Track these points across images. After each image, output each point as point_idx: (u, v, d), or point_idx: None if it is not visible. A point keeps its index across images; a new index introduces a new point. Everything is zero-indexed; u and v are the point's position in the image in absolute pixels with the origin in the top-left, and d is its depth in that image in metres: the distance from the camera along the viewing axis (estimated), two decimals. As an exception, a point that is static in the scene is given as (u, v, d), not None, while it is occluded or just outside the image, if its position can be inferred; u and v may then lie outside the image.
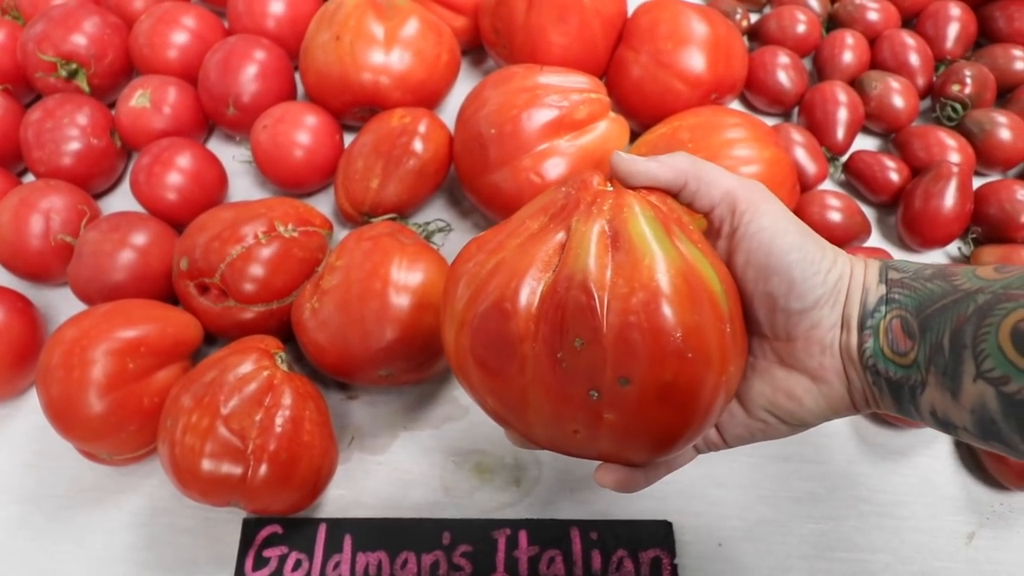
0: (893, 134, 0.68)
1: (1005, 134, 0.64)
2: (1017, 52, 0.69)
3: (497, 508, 0.52)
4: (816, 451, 0.53)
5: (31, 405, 0.57)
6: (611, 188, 0.33)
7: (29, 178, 0.69)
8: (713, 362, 0.31)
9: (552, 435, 0.33)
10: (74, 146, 0.64)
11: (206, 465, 0.45)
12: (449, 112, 0.67)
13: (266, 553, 0.50)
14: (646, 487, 0.37)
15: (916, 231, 0.60)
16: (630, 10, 0.68)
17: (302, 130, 0.64)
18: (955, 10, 0.72)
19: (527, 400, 0.32)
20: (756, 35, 0.76)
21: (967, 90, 0.67)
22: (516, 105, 0.57)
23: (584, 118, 0.58)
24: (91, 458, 0.52)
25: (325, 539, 0.50)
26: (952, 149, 0.63)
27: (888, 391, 0.32)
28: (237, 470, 0.45)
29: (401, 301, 0.50)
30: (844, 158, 0.67)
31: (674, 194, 0.34)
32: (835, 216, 0.61)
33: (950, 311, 0.30)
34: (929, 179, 0.60)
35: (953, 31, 0.71)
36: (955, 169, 0.60)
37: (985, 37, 0.74)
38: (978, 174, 0.66)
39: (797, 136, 0.65)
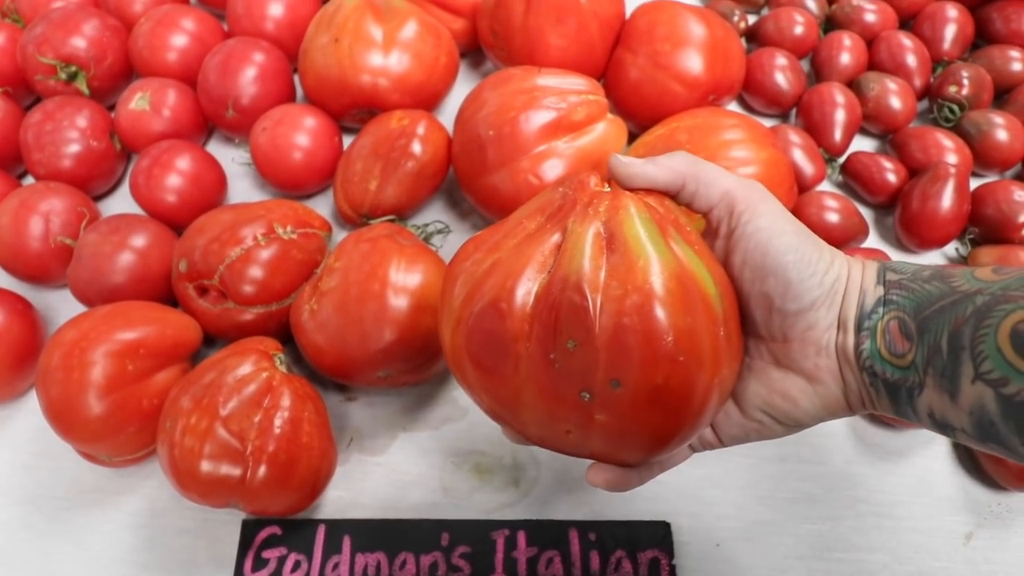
0: (890, 135, 0.68)
1: (1002, 135, 0.64)
2: (1014, 53, 0.69)
3: (496, 509, 0.52)
4: (814, 452, 0.53)
5: (31, 407, 0.57)
6: (608, 189, 0.33)
7: (29, 180, 0.69)
8: (705, 365, 0.31)
9: (545, 434, 0.34)
10: (74, 148, 0.64)
11: (205, 466, 0.45)
12: (448, 114, 0.67)
13: (265, 554, 0.50)
14: (639, 486, 0.38)
15: (914, 232, 0.61)
16: (628, 12, 0.68)
17: (301, 132, 0.64)
18: (952, 11, 0.72)
19: (521, 399, 0.32)
20: (754, 36, 0.76)
21: (964, 91, 0.67)
22: (514, 107, 0.57)
23: (582, 120, 0.58)
24: (90, 459, 0.52)
25: (324, 540, 0.50)
26: (949, 150, 0.63)
27: (885, 393, 0.32)
28: (236, 471, 0.45)
29: (399, 303, 0.50)
30: (842, 159, 0.68)
31: (673, 195, 0.34)
32: (833, 217, 0.61)
33: (948, 312, 0.30)
34: (926, 180, 0.60)
35: (950, 32, 0.72)
36: (952, 170, 0.60)
37: (982, 38, 0.74)
38: (975, 175, 0.66)
39: (795, 137, 0.65)
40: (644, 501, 0.52)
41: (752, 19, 0.79)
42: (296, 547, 0.50)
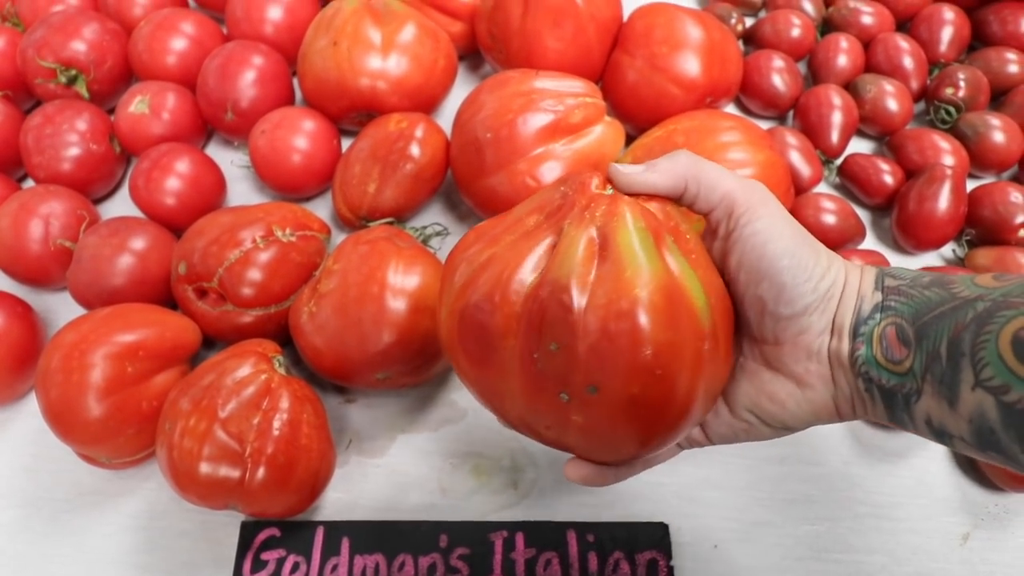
0: (887, 137, 0.68)
1: (999, 137, 0.64)
2: (1010, 55, 0.70)
3: (494, 510, 0.52)
4: (811, 453, 0.53)
5: (30, 409, 0.57)
6: (609, 192, 0.33)
7: (29, 183, 0.69)
8: (684, 379, 0.31)
9: (527, 425, 0.34)
10: (73, 152, 0.65)
11: (204, 468, 0.45)
12: (446, 117, 0.67)
13: (264, 556, 0.50)
14: (616, 483, 0.38)
15: (910, 233, 0.61)
16: (625, 15, 0.68)
17: (300, 135, 0.65)
18: (949, 13, 0.72)
19: (505, 390, 0.33)
20: (751, 39, 0.77)
21: (961, 93, 0.67)
22: (512, 109, 0.57)
23: (579, 122, 0.58)
24: (90, 462, 0.52)
25: (323, 542, 0.50)
26: (946, 152, 0.64)
27: (881, 399, 0.32)
28: (235, 473, 0.45)
29: (398, 305, 0.50)
30: (839, 161, 0.68)
31: (675, 198, 0.34)
32: (830, 219, 0.61)
33: (948, 318, 0.29)
34: (923, 182, 0.61)
35: (947, 34, 0.72)
36: (949, 172, 0.60)
37: (979, 40, 0.74)
38: (972, 176, 0.66)
39: (792, 139, 0.65)
40: (642, 502, 0.52)
41: (749, 21, 0.79)
42: (295, 549, 0.50)
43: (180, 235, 0.59)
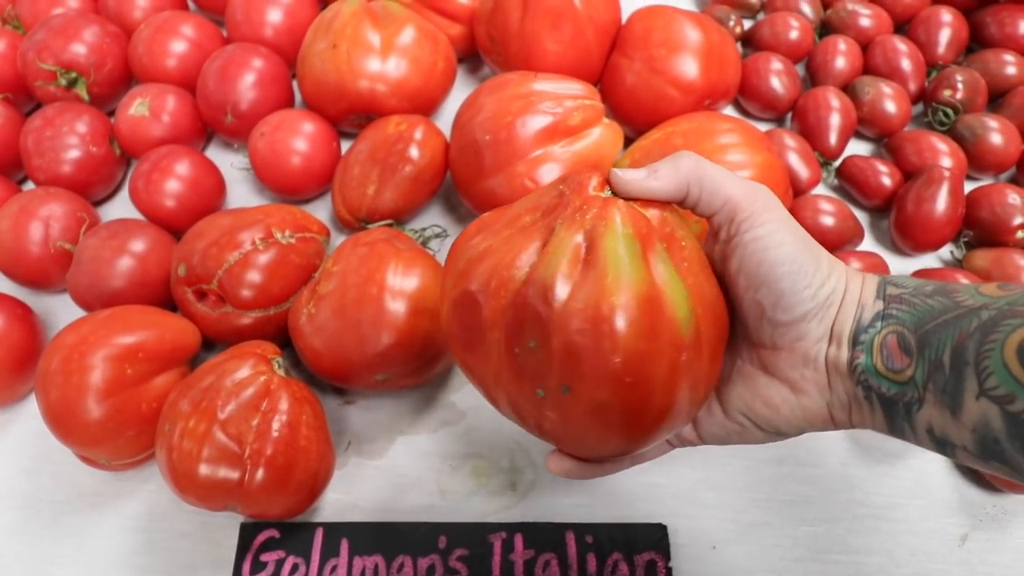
0: (885, 139, 0.68)
1: (996, 138, 0.64)
2: (1008, 57, 0.70)
3: (493, 512, 0.52)
4: (810, 454, 0.54)
5: (30, 411, 0.57)
6: (607, 193, 0.33)
7: (29, 186, 0.70)
8: (658, 389, 0.31)
9: (511, 414, 0.35)
10: (73, 154, 0.65)
11: (203, 470, 0.45)
12: (445, 119, 0.67)
13: (263, 557, 0.50)
14: (598, 477, 0.39)
15: (908, 235, 0.61)
16: (624, 17, 0.68)
17: (299, 137, 0.65)
18: (947, 16, 0.73)
19: (492, 379, 0.34)
20: (749, 41, 0.77)
21: (959, 95, 0.67)
22: (511, 112, 0.58)
23: (578, 124, 0.58)
24: (90, 463, 0.52)
25: (322, 543, 0.51)
26: (944, 154, 0.64)
27: (881, 408, 0.32)
28: (234, 475, 0.45)
29: (397, 306, 0.50)
30: (837, 163, 0.68)
31: (677, 202, 0.34)
32: (828, 220, 0.61)
33: (951, 327, 0.29)
34: (921, 183, 0.61)
35: (945, 36, 0.72)
36: (947, 173, 0.60)
37: (977, 42, 0.74)
38: (970, 178, 0.66)
39: (790, 141, 0.65)
40: (641, 503, 0.52)
41: (748, 24, 0.79)
42: (294, 550, 0.50)
43: (180, 237, 0.59)
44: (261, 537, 0.51)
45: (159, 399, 0.50)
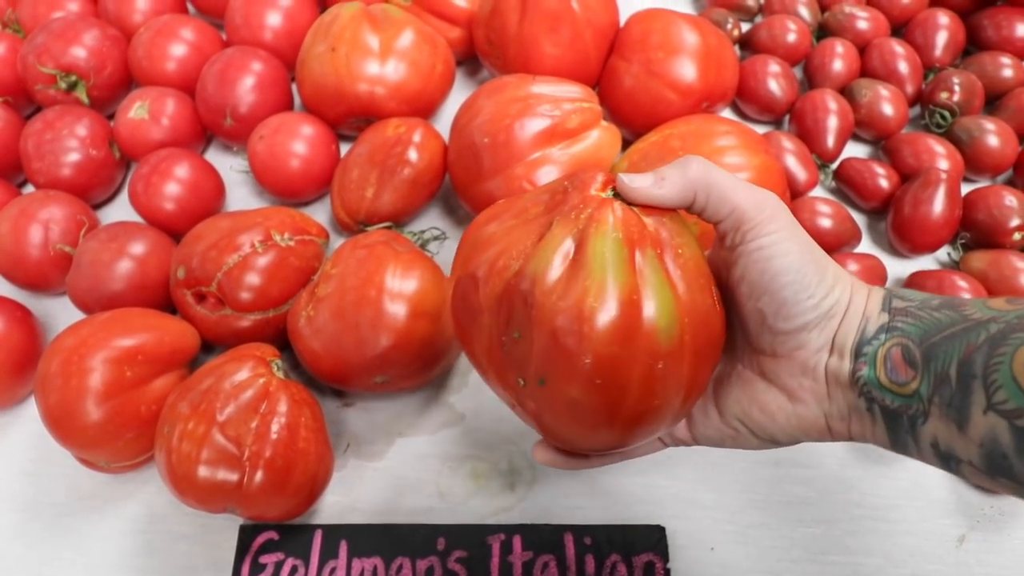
0: (883, 141, 0.69)
1: (993, 140, 0.64)
2: (1005, 60, 0.70)
3: (492, 513, 0.52)
4: (808, 455, 0.54)
5: (30, 413, 0.57)
6: (609, 194, 0.33)
7: (29, 189, 0.70)
8: (630, 394, 0.31)
9: (500, 394, 0.36)
10: (73, 157, 0.65)
11: (202, 472, 0.45)
12: (444, 122, 0.67)
13: (262, 559, 0.50)
14: (587, 469, 0.39)
15: (906, 237, 0.61)
16: (622, 20, 0.69)
17: (298, 140, 0.65)
18: (944, 18, 0.73)
19: (483, 359, 0.35)
20: (747, 44, 0.77)
21: (956, 97, 0.68)
22: (509, 114, 0.58)
23: (576, 127, 0.58)
24: (89, 466, 0.52)
25: (321, 545, 0.51)
26: (941, 156, 0.64)
27: (884, 421, 0.32)
28: (233, 477, 0.45)
29: (395, 308, 0.50)
30: (834, 165, 0.68)
31: (684, 208, 0.33)
32: (825, 222, 0.61)
33: (959, 339, 0.29)
34: (918, 185, 0.61)
35: (942, 39, 0.72)
36: (944, 175, 0.60)
37: (974, 45, 0.74)
38: (967, 180, 0.67)
39: (788, 143, 0.65)
40: (639, 505, 0.52)
41: (745, 27, 0.79)
42: (293, 552, 0.50)
43: (179, 240, 0.59)
44: (260, 539, 0.51)
45: (158, 401, 0.50)
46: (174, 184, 0.63)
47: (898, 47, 0.71)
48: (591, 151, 0.59)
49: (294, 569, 0.50)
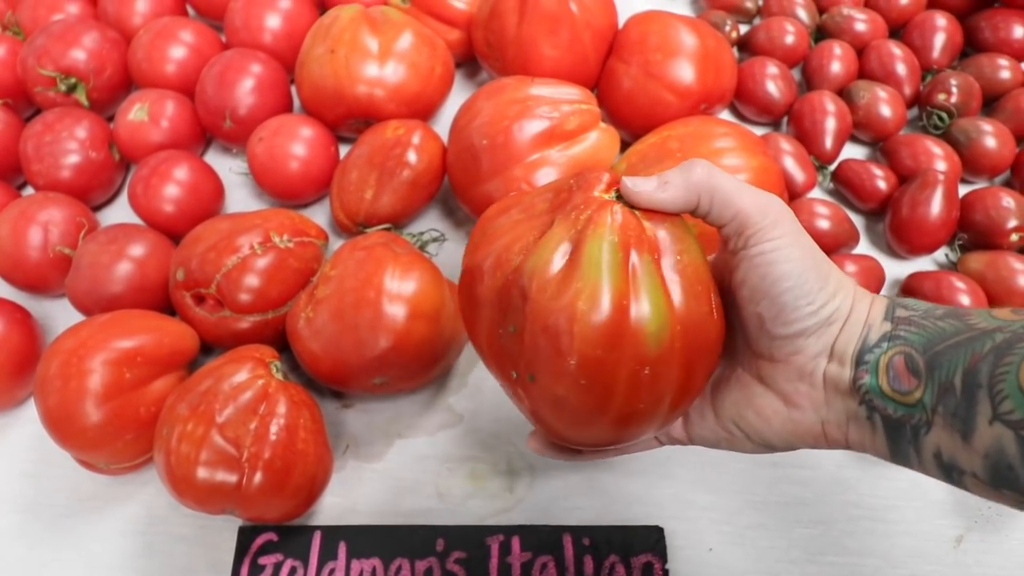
0: (881, 143, 0.69)
1: (991, 142, 0.65)
2: (1002, 61, 0.70)
3: (491, 515, 0.53)
4: (806, 456, 0.54)
5: (29, 415, 0.57)
6: (612, 195, 0.33)
7: (28, 191, 0.70)
8: (615, 397, 0.31)
9: (497, 381, 0.37)
10: (73, 159, 0.65)
11: (201, 473, 0.45)
12: (443, 124, 0.68)
13: (261, 560, 0.50)
14: (580, 462, 0.40)
15: (903, 238, 0.61)
16: (620, 22, 0.69)
17: (298, 142, 0.65)
18: (941, 20, 0.73)
19: (484, 347, 0.36)
20: (745, 46, 0.77)
21: (953, 99, 0.68)
22: (508, 116, 0.58)
23: (574, 129, 0.59)
24: (88, 467, 0.52)
25: (320, 546, 0.51)
26: (939, 157, 0.64)
27: (884, 430, 0.31)
28: (232, 478, 0.46)
29: (394, 310, 0.50)
30: (832, 166, 0.68)
31: (687, 212, 0.33)
32: (823, 224, 0.61)
33: (963, 348, 0.29)
34: (916, 187, 0.61)
35: (939, 41, 0.72)
36: (941, 177, 0.60)
37: (971, 47, 0.75)
38: (964, 181, 0.67)
39: (786, 145, 0.65)
40: (637, 506, 0.52)
41: (744, 29, 0.79)
42: (292, 553, 0.50)
43: (179, 242, 0.59)
44: (259, 540, 0.51)
45: (157, 403, 0.50)
46: (173, 186, 0.63)
47: (896, 49, 0.72)
48: (589, 153, 0.59)
49: (293, 570, 0.50)
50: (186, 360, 0.55)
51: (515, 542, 0.51)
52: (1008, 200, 0.60)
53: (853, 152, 0.71)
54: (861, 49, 0.74)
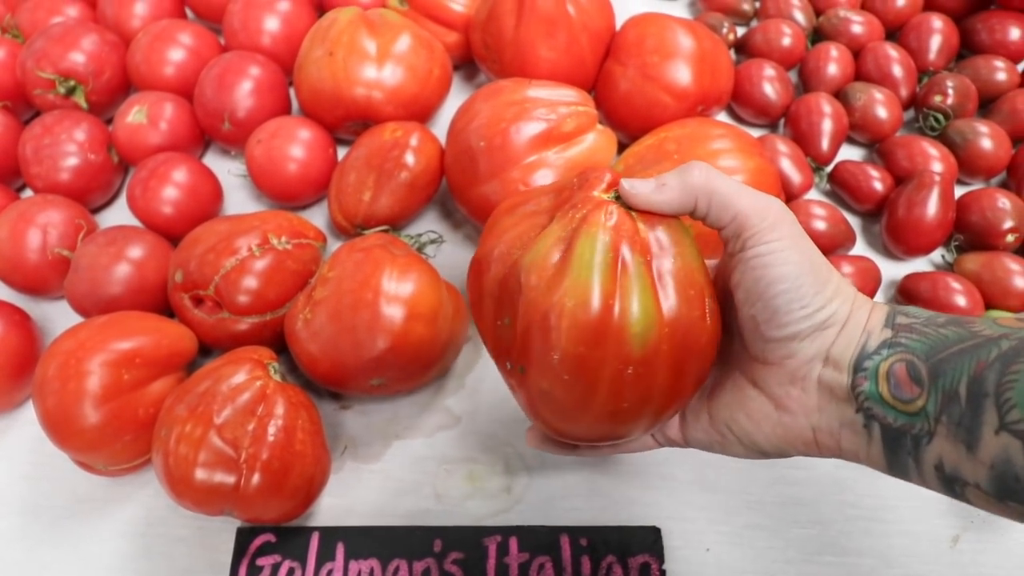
0: (877, 144, 0.69)
1: (986, 143, 0.65)
2: (998, 63, 0.70)
3: (488, 515, 0.53)
4: (803, 456, 0.54)
5: (28, 417, 0.57)
6: (611, 196, 0.33)
7: (28, 193, 0.70)
8: (598, 394, 0.32)
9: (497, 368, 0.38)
10: (72, 162, 0.65)
11: (199, 474, 0.45)
12: (441, 126, 0.68)
13: (260, 561, 0.50)
14: (577, 456, 0.41)
15: (900, 239, 0.62)
16: (618, 24, 0.69)
17: (296, 144, 0.65)
18: (938, 22, 0.73)
19: (486, 335, 0.37)
20: (743, 48, 0.78)
21: (949, 101, 0.68)
22: (505, 118, 0.58)
23: (572, 130, 0.59)
24: (87, 469, 0.52)
25: (318, 547, 0.51)
26: (935, 158, 0.64)
27: (882, 440, 0.31)
28: (230, 479, 0.46)
29: (392, 311, 0.50)
30: (829, 168, 0.69)
31: (686, 214, 0.33)
32: (820, 225, 0.62)
33: (968, 356, 0.28)
34: (912, 188, 0.61)
35: (936, 43, 0.73)
36: (937, 178, 0.61)
37: (967, 49, 0.75)
38: (960, 183, 0.67)
39: (782, 147, 0.66)
40: (635, 506, 0.52)
41: (741, 31, 0.80)
42: (290, 554, 0.50)
43: (177, 244, 0.59)
44: (257, 541, 0.51)
45: (156, 404, 0.50)
46: (172, 188, 0.63)
47: (892, 51, 0.72)
48: (587, 154, 0.59)
49: (291, 571, 0.50)
50: (184, 362, 0.55)
51: (513, 543, 0.51)
52: (1004, 201, 0.60)
53: (850, 153, 0.71)
54: (858, 51, 0.74)
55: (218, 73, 0.68)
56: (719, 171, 0.33)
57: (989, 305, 0.58)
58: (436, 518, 0.52)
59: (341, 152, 0.70)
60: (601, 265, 0.31)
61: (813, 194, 0.68)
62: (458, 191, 0.62)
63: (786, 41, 0.75)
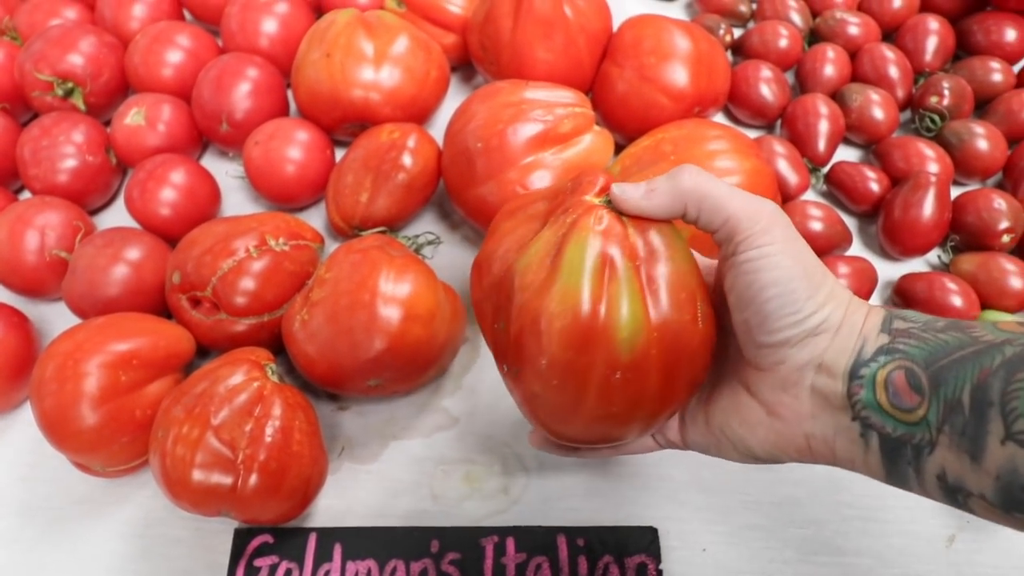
0: (873, 145, 0.69)
1: (983, 144, 0.65)
2: (994, 64, 0.71)
3: (486, 516, 0.53)
4: (797, 463, 0.54)
5: (25, 418, 0.57)
6: (603, 200, 0.33)
7: (26, 195, 0.70)
8: (587, 398, 0.32)
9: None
10: (70, 163, 0.65)
11: (197, 475, 0.45)
12: (439, 127, 0.68)
13: (257, 563, 0.50)
14: (577, 458, 0.41)
15: (896, 240, 0.62)
16: (615, 26, 0.69)
17: (294, 146, 0.65)
18: (934, 24, 0.73)
19: (487, 335, 0.37)
20: (739, 50, 0.78)
21: (945, 102, 0.68)
22: (502, 120, 0.58)
23: (569, 132, 0.59)
24: (84, 470, 0.52)
25: (315, 548, 0.51)
26: (931, 159, 0.65)
27: (881, 448, 0.30)
28: (227, 480, 0.46)
29: (389, 312, 0.51)
30: (825, 169, 0.69)
31: (677, 218, 0.33)
32: (816, 225, 0.62)
33: (970, 363, 0.27)
34: (908, 189, 0.62)
35: (932, 44, 0.73)
36: (934, 179, 0.61)
37: (963, 50, 0.75)
38: (956, 183, 0.67)
39: (779, 148, 0.66)
40: (632, 506, 0.52)
41: (738, 32, 0.80)
42: (288, 555, 0.51)
43: (175, 245, 0.60)
44: (255, 542, 0.51)
45: (153, 406, 0.51)
46: (170, 190, 0.63)
47: (888, 52, 0.72)
48: (584, 156, 0.60)
49: (288, 572, 0.50)
50: (182, 363, 0.55)
51: (510, 543, 0.51)
52: (1000, 202, 0.61)
53: (846, 154, 0.71)
54: (854, 52, 0.74)
55: (216, 75, 0.68)
56: (711, 174, 0.32)
57: (985, 305, 0.58)
58: (433, 519, 0.53)
59: (339, 154, 0.70)
60: (589, 270, 0.31)
61: (810, 195, 0.68)
62: (455, 192, 0.63)
63: (783, 42, 0.75)
